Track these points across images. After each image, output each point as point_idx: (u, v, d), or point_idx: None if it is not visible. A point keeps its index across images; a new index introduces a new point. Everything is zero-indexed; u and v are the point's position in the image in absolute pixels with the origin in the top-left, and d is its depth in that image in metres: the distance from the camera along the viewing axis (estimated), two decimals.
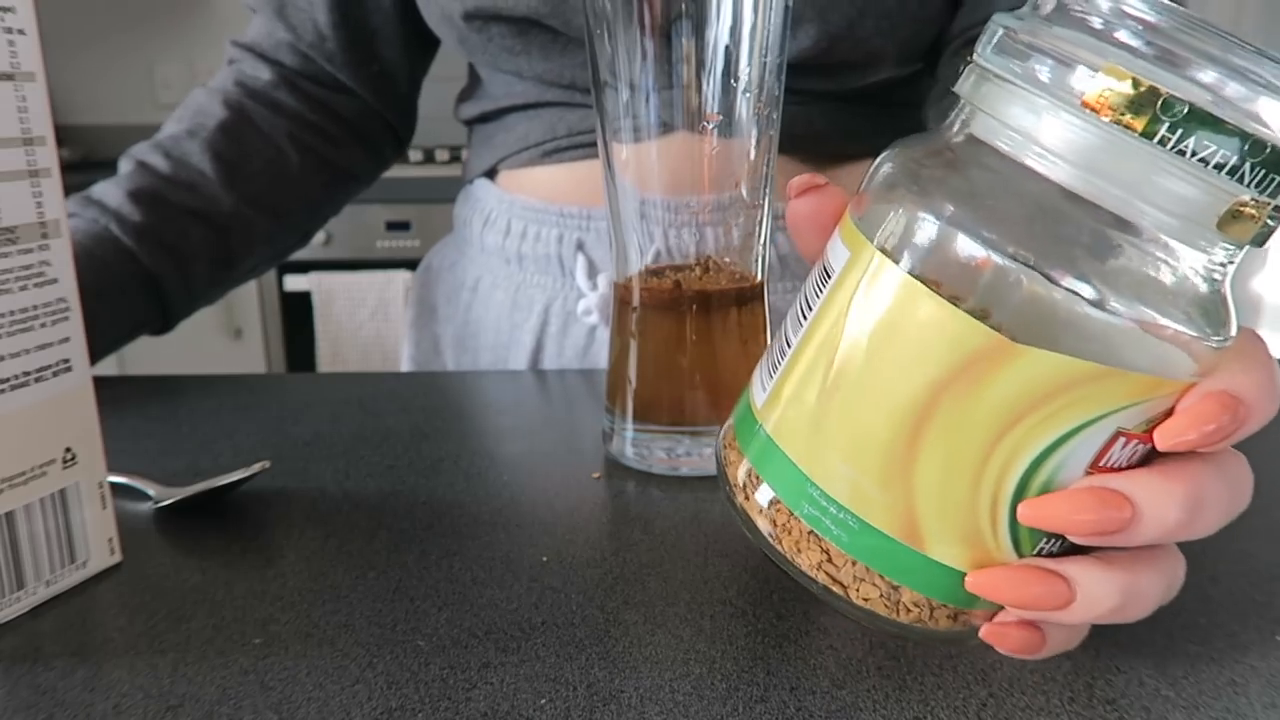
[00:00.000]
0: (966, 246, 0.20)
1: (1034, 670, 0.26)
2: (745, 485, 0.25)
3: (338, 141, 0.65)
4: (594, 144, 0.56)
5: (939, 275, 0.21)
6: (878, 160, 0.24)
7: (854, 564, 0.23)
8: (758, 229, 0.41)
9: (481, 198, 0.63)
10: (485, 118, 0.63)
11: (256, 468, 0.38)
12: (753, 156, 0.39)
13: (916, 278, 0.21)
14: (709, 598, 0.30)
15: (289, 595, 0.31)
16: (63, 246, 0.30)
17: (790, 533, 0.24)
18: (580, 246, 0.57)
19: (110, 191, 0.56)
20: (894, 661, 0.27)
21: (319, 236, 2.08)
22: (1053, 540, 0.22)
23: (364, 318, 2.08)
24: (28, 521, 0.30)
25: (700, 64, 0.37)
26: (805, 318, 0.24)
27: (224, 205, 0.58)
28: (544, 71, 0.56)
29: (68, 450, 0.31)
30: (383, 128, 0.68)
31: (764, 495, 0.24)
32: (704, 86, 0.37)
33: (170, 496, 0.37)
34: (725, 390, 0.41)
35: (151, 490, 0.38)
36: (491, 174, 0.64)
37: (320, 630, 0.29)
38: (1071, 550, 0.23)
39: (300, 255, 2.14)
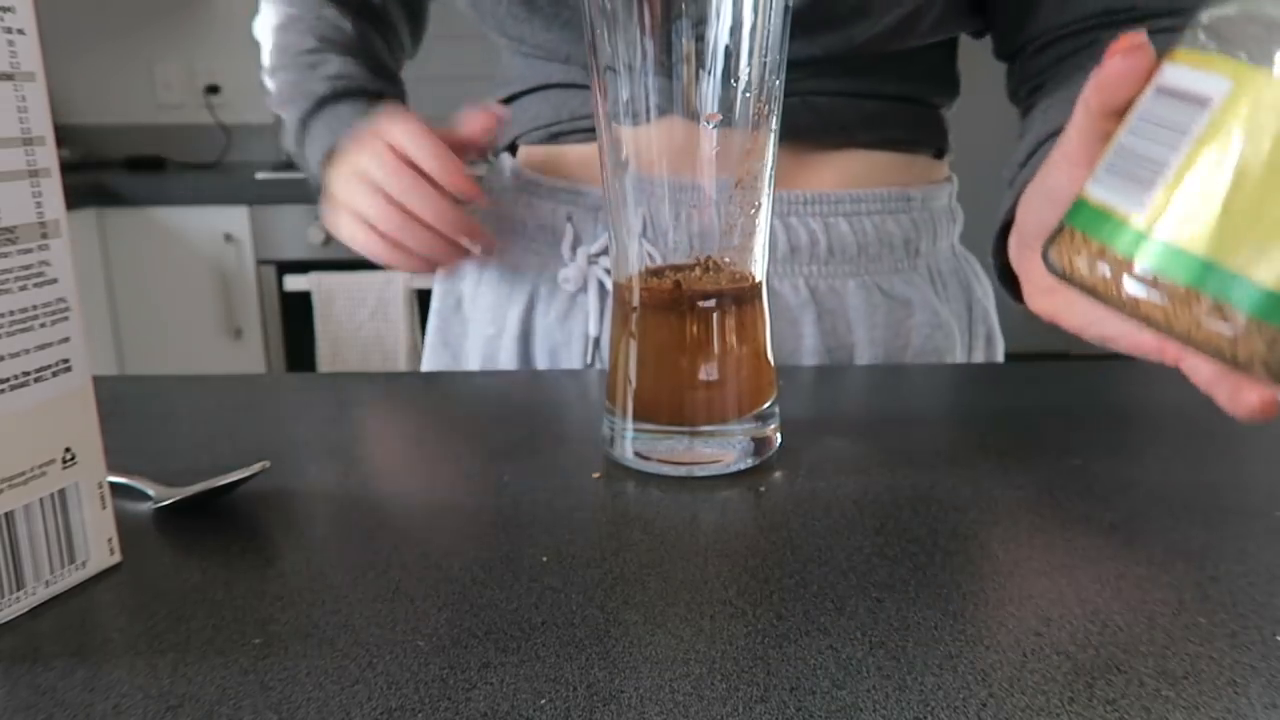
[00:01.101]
0: None
1: (1034, 670, 0.26)
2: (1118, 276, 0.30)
3: None
4: (591, 128, 0.59)
5: None
6: (1207, 16, 0.29)
7: (1248, 322, 0.27)
8: (757, 228, 0.41)
9: (501, 167, 0.69)
10: (507, 100, 0.67)
11: (256, 468, 0.38)
12: (753, 156, 0.39)
13: None
14: (709, 598, 0.30)
15: (289, 595, 0.31)
16: (62, 246, 0.30)
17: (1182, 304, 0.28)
18: (569, 219, 0.61)
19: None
20: (894, 661, 0.27)
21: (319, 236, 2.08)
22: None
23: (364, 318, 2.08)
24: (27, 522, 0.30)
25: (700, 64, 0.37)
26: (1179, 143, 0.28)
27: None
28: (546, 42, 0.59)
29: (67, 450, 0.31)
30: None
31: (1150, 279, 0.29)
32: (704, 86, 0.37)
33: (170, 496, 0.37)
34: (725, 390, 0.41)
35: (151, 490, 0.38)
36: (512, 149, 0.69)
37: (320, 630, 0.29)
38: None
39: (300, 255, 2.15)
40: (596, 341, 0.60)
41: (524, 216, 0.64)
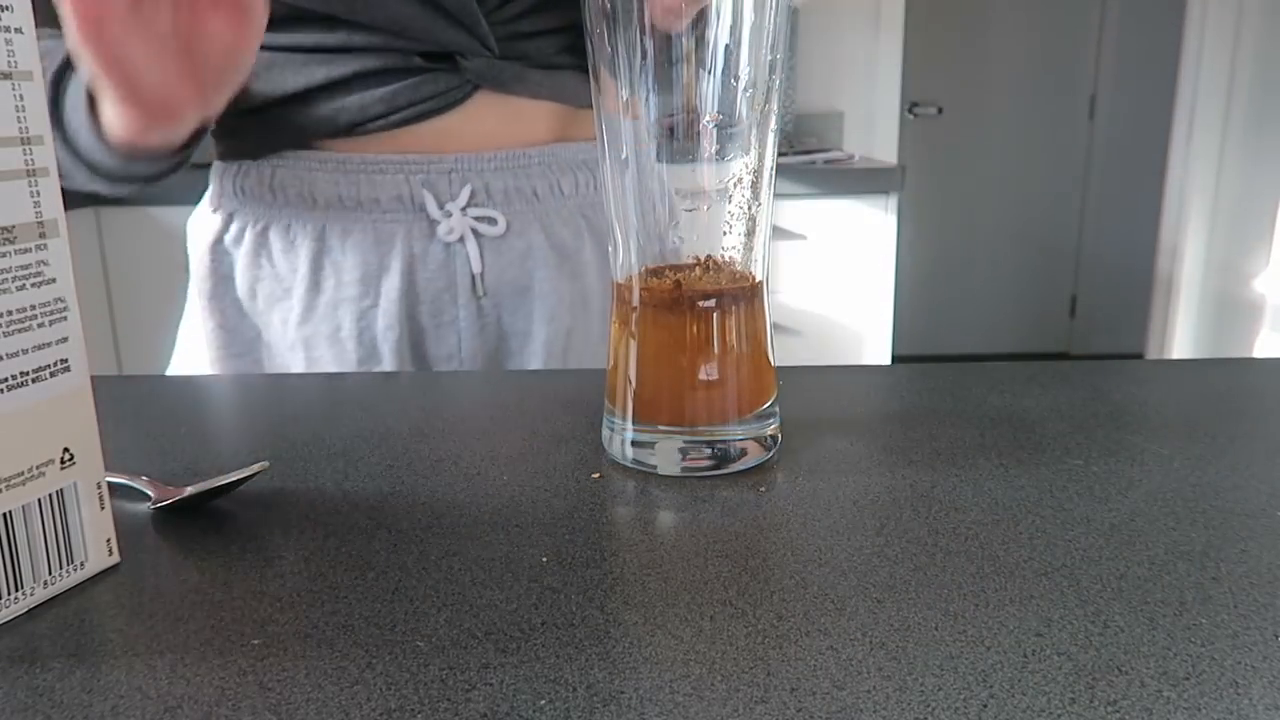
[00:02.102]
0: None
1: (1035, 671, 0.26)
2: None
3: None
4: (426, 108, 0.66)
5: None
6: None
7: None
8: (757, 228, 0.41)
9: (307, 161, 0.68)
10: (285, 100, 0.66)
11: (256, 468, 0.38)
12: (752, 155, 0.39)
13: None
14: (709, 598, 0.30)
15: (288, 596, 0.31)
16: (61, 246, 0.30)
17: None
18: (424, 185, 0.67)
19: None
20: (894, 662, 0.27)
21: None
22: None
23: None
24: (25, 522, 0.30)
25: (700, 63, 0.37)
26: None
27: None
28: (400, 16, 0.63)
29: (66, 451, 0.31)
30: None
31: None
32: (704, 86, 0.37)
33: (169, 497, 0.37)
34: (725, 390, 0.41)
35: (150, 491, 0.38)
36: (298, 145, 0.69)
37: (319, 631, 0.29)
38: None
39: None
40: (481, 276, 0.69)
41: (372, 194, 0.67)
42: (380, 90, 0.65)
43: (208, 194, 0.72)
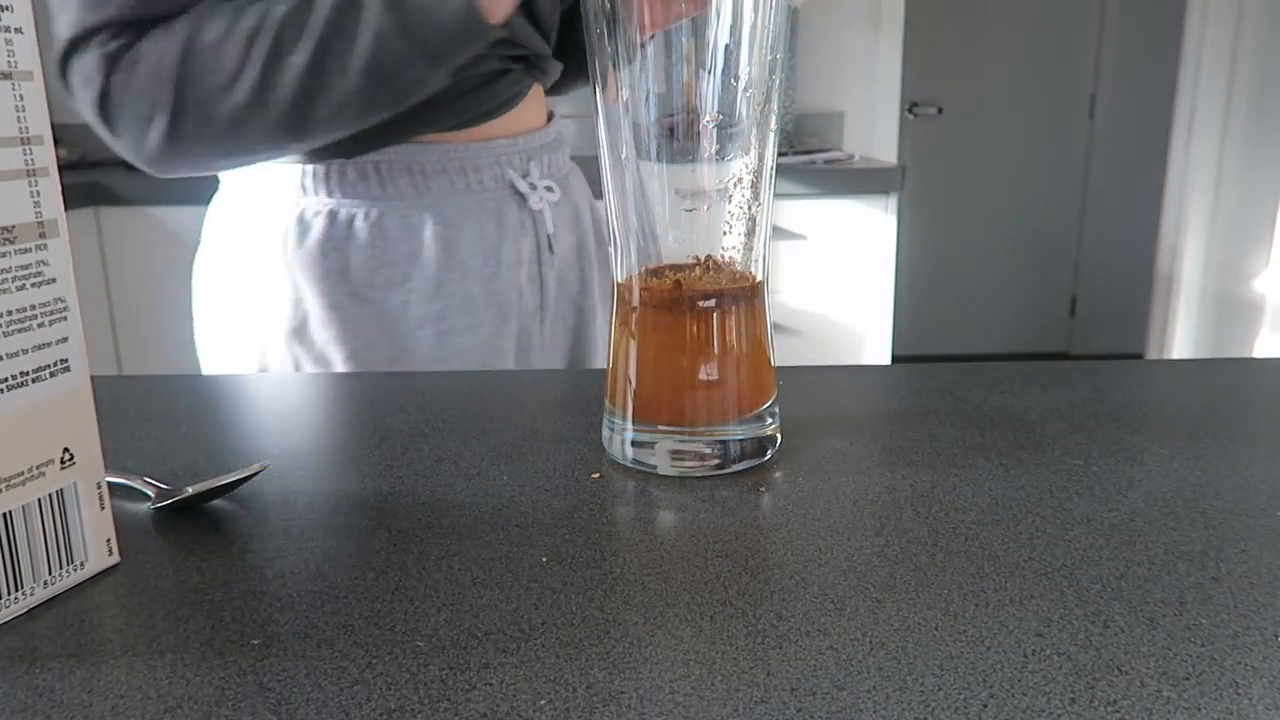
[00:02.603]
0: None
1: (1035, 671, 0.26)
2: None
3: None
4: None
5: None
6: None
7: None
8: (758, 228, 0.41)
9: (411, 154, 0.74)
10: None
11: (256, 468, 0.38)
12: (752, 155, 0.39)
13: None
14: (709, 598, 0.30)
15: (288, 596, 0.31)
16: (61, 246, 0.30)
17: None
18: (509, 164, 0.77)
19: None
20: (894, 662, 0.27)
21: None
22: None
23: None
24: (25, 522, 0.30)
25: (700, 64, 0.37)
26: None
27: None
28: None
29: (66, 451, 0.31)
30: None
31: None
32: (704, 86, 0.37)
33: (169, 497, 0.37)
34: (725, 390, 0.41)
35: (150, 491, 0.38)
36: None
37: (319, 631, 0.29)
38: None
39: None
40: (551, 237, 0.80)
41: (477, 176, 0.76)
42: (487, 90, 0.74)
43: (276, 200, 0.74)
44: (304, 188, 0.72)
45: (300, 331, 0.73)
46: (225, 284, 0.77)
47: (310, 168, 0.72)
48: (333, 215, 0.72)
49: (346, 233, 0.72)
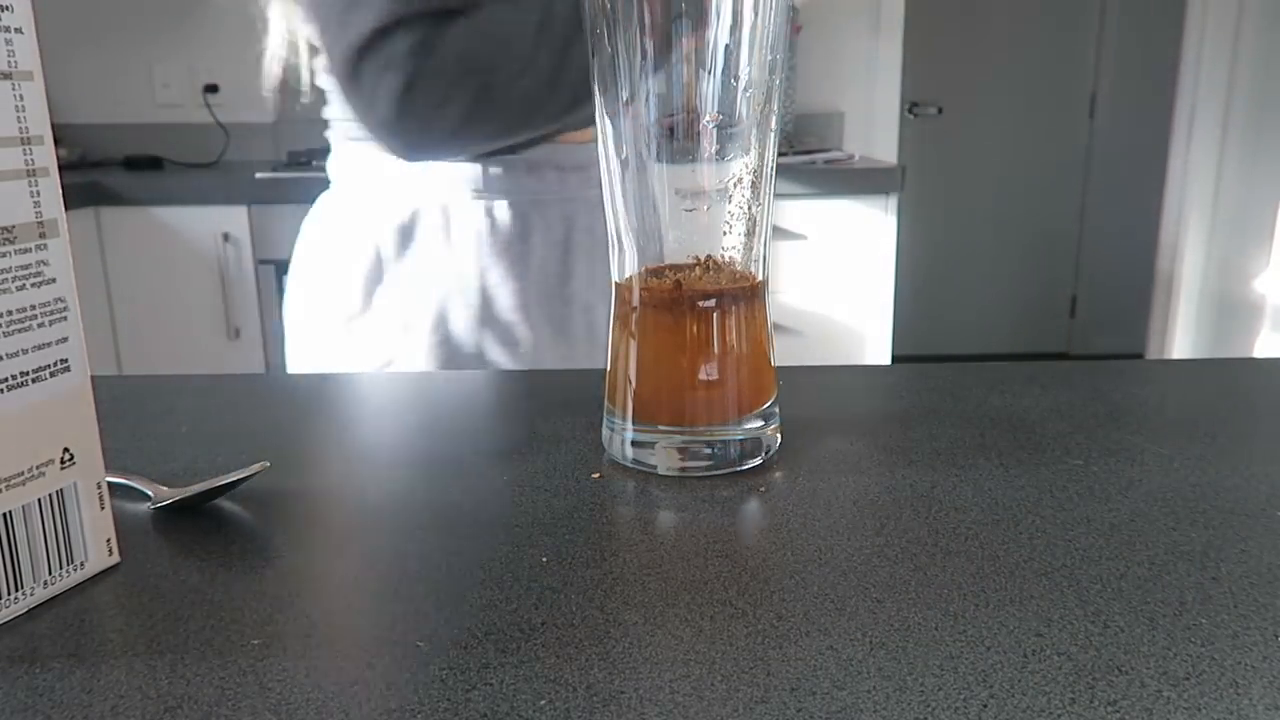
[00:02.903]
0: None
1: (1035, 671, 0.26)
2: None
3: None
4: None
5: None
6: None
7: None
8: (758, 228, 0.41)
9: (548, 156, 0.80)
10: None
11: (256, 468, 0.38)
12: (752, 155, 0.39)
13: None
14: (709, 598, 0.30)
15: (288, 595, 0.31)
16: (61, 246, 0.30)
17: None
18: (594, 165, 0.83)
19: None
20: (894, 662, 0.27)
21: None
22: None
23: None
24: (25, 522, 0.30)
25: (700, 64, 0.37)
26: None
27: None
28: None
29: (66, 451, 0.31)
30: None
31: None
32: (704, 86, 0.37)
33: (169, 497, 0.37)
34: (725, 390, 0.41)
35: (150, 490, 0.38)
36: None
37: (319, 631, 0.29)
38: None
39: None
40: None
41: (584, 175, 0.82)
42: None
43: (456, 196, 0.79)
44: (483, 185, 0.78)
45: (488, 319, 0.79)
46: (363, 281, 0.81)
47: (491, 166, 0.77)
48: (489, 211, 0.78)
49: (523, 227, 0.79)
